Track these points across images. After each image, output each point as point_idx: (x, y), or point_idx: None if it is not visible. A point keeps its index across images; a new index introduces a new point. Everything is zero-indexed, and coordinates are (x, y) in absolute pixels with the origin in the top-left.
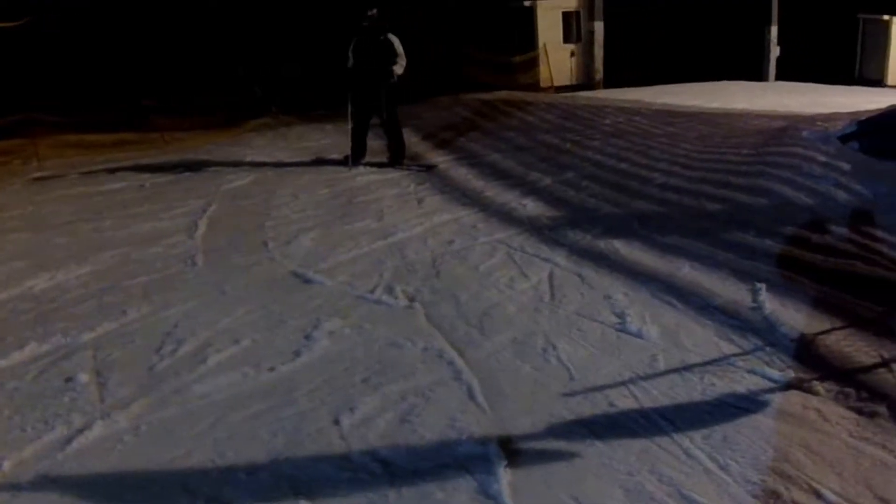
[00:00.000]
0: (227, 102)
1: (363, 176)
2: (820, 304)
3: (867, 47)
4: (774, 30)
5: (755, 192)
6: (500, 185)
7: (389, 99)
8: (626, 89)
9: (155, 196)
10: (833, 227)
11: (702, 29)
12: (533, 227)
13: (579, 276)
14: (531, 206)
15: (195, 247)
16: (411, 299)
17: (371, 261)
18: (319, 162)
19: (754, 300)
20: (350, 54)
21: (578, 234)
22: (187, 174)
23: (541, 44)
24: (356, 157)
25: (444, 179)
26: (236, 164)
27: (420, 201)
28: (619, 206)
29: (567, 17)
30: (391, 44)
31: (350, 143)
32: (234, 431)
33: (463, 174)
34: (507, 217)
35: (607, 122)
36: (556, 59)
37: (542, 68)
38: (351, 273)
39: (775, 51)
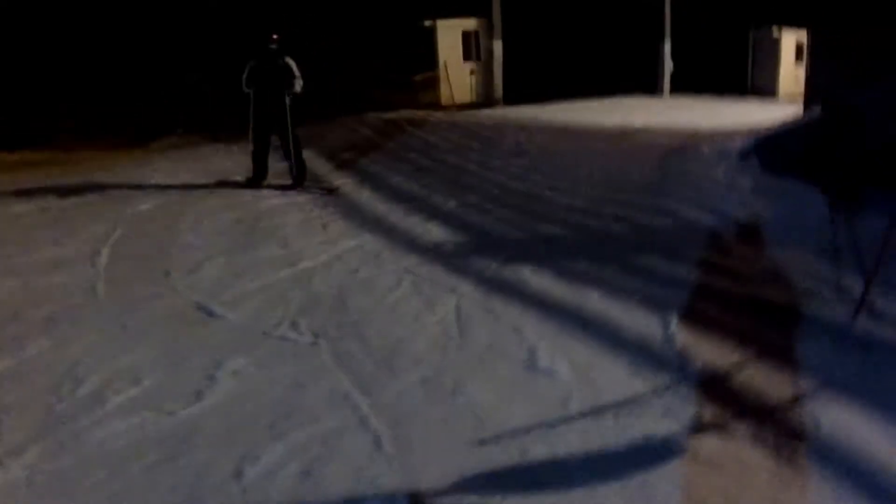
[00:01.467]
0: (135, 117)
1: (267, 199)
2: (730, 335)
3: (758, 60)
4: (668, 45)
5: (659, 212)
6: (404, 208)
7: (289, 120)
8: (525, 107)
9: (59, 220)
10: (737, 250)
11: (597, 45)
12: (438, 254)
13: (487, 308)
14: (436, 232)
15: (97, 275)
16: (317, 335)
17: (276, 292)
18: (224, 185)
19: (665, 332)
20: (244, 78)
21: (485, 262)
22: (93, 197)
23: (441, 62)
24: (257, 179)
25: (348, 203)
26: (142, 187)
27: (325, 226)
28: (524, 231)
29: (467, 36)
30: (289, 66)
31: (251, 166)
32: (132, 484)
33: (367, 197)
34: (412, 243)
35: (508, 140)
36: (457, 78)
37: (443, 87)
38: (256, 306)
39: (669, 65)
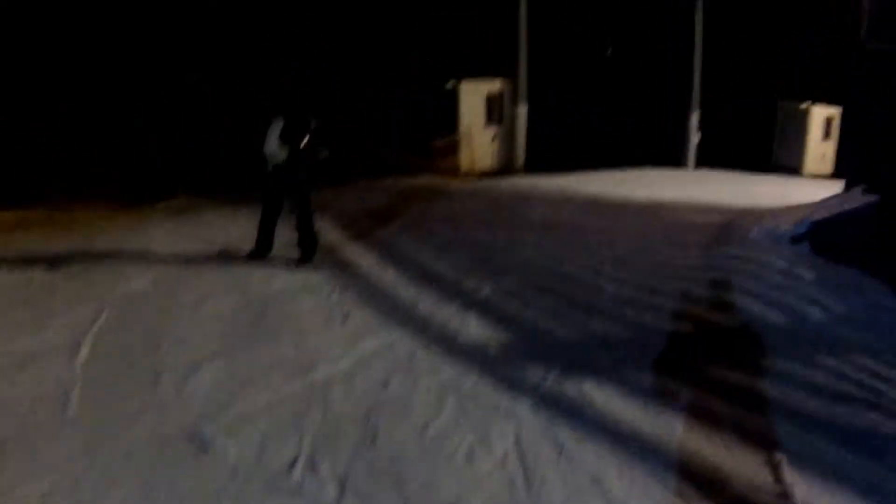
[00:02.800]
0: (135, 176)
1: (276, 278)
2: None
3: (786, 134)
4: (696, 115)
5: (721, 307)
6: (434, 294)
7: (307, 186)
8: (547, 177)
9: (42, 296)
10: (819, 359)
11: (622, 113)
12: (483, 361)
13: (554, 442)
14: (475, 328)
15: (73, 378)
16: (342, 485)
17: (287, 412)
18: (228, 258)
19: (777, 479)
20: (270, 138)
21: (539, 372)
22: (84, 268)
23: (463, 126)
24: (261, 250)
25: (369, 285)
26: (139, 258)
27: (344, 317)
28: (575, 328)
29: (490, 99)
30: (319, 129)
31: (256, 235)
32: None
33: (391, 279)
34: (449, 343)
35: (537, 213)
36: (479, 143)
37: (465, 152)
38: (262, 433)
39: (696, 136)
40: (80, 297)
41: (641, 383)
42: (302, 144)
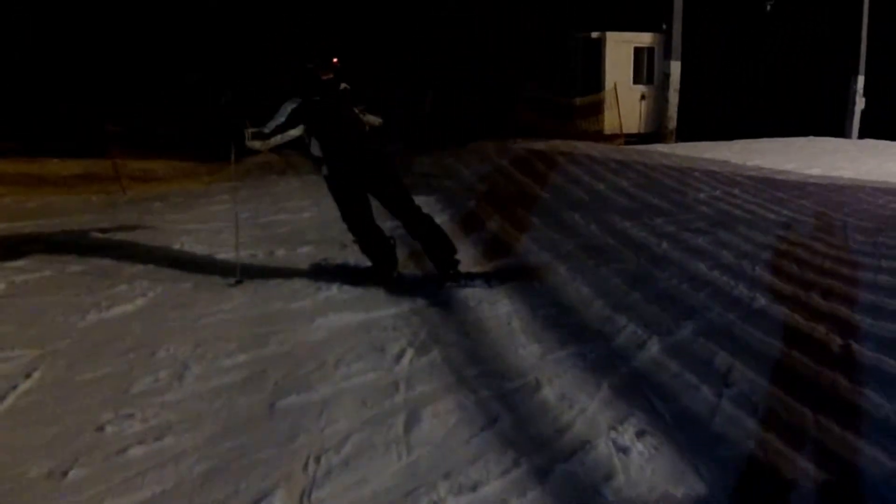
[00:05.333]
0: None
1: (325, 318)
2: None
3: None
4: (861, 80)
5: None
6: (566, 358)
7: (389, 170)
8: (703, 144)
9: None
10: None
11: (783, 77)
12: None
13: None
14: (639, 455)
15: None
16: None
17: None
18: (278, 271)
19: None
20: (284, 119)
21: None
22: (73, 268)
23: (609, 84)
24: (386, 267)
25: (461, 333)
26: (151, 255)
27: (410, 422)
28: (837, 462)
29: (638, 53)
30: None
31: (371, 252)
32: None
33: (500, 319)
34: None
35: (701, 196)
36: (625, 104)
37: (609, 114)
38: None
39: (860, 103)
40: (31, 326)
41: None
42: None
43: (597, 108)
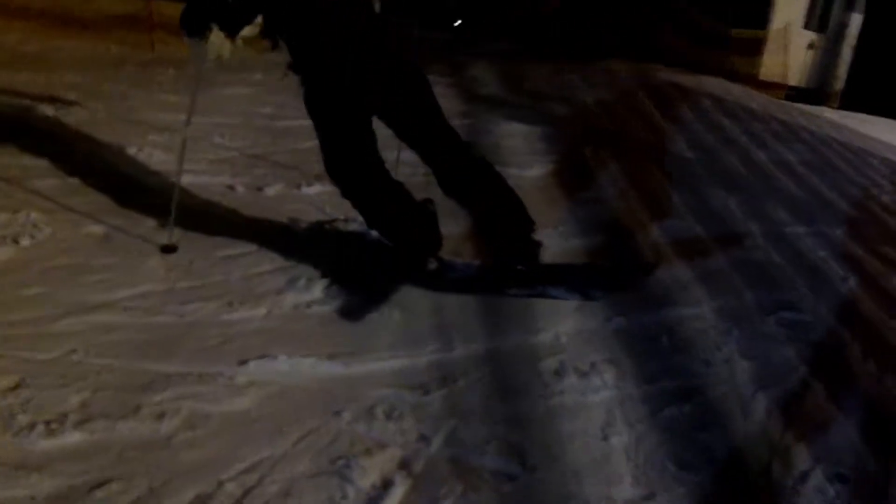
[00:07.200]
0: None
1: (269, 364)
2: None
3: None
4: None
5: None
6: None
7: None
8: (880, 122)
9: None
10: None
11: None
12: None
13: None
14: None
15: None
16: None
17: None
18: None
19: None
20: None
21: None
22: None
23: (777, 22)
24: (419, 249)
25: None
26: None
27: None
28: None
29: None
30: None
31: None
32: None
33: (593, 413)
34: None
35: (884, 198)
36: (792, 49)
37: (772, 57)
38: None
39: None
40: None
41: None
42: None
43: (755, 48)
